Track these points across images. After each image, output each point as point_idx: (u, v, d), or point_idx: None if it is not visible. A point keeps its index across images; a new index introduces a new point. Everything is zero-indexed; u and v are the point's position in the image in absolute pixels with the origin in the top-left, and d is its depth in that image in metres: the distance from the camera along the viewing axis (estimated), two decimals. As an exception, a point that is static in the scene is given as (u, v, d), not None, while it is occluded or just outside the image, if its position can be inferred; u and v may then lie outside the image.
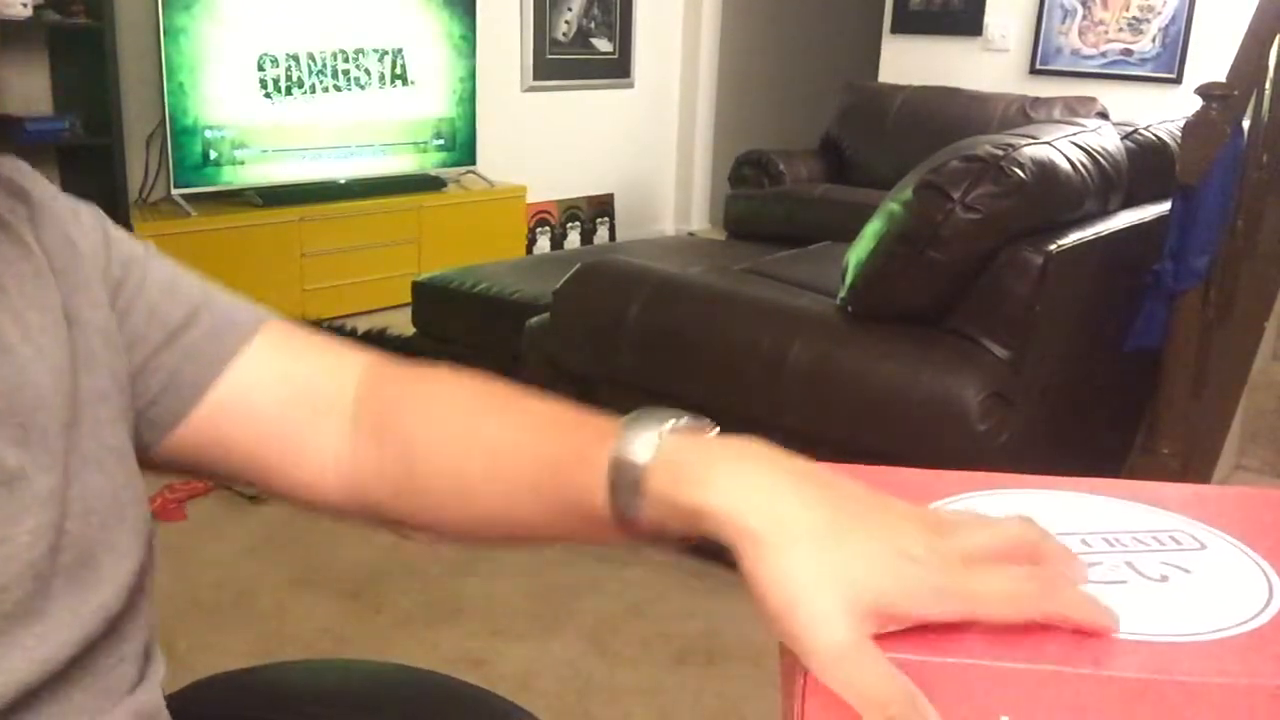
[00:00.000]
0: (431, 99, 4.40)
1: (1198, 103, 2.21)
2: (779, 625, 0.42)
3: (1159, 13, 4.46)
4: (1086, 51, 4.64)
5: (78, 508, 0.55)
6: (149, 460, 0.64)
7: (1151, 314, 2.33)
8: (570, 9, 5.11)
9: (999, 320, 2.04)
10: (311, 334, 0.68)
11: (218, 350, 0.63)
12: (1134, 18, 4.52)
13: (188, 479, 2.48)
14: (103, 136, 3.53)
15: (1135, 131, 2.55)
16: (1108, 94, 4.39)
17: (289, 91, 3.96)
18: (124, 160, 3.64)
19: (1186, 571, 0.45)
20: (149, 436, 0.63)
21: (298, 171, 4.04)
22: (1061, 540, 0.46)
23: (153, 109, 3.71)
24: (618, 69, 5.39)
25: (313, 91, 4.03)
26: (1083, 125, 2.42)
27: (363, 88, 4.17)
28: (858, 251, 2.16)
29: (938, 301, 2.08)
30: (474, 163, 4.57)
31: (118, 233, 0.63)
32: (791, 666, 0.42)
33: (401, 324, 3.47)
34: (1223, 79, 2.24)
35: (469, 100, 4.51)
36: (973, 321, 2.06)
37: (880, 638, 0.40)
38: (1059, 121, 2.76)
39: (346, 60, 4.10)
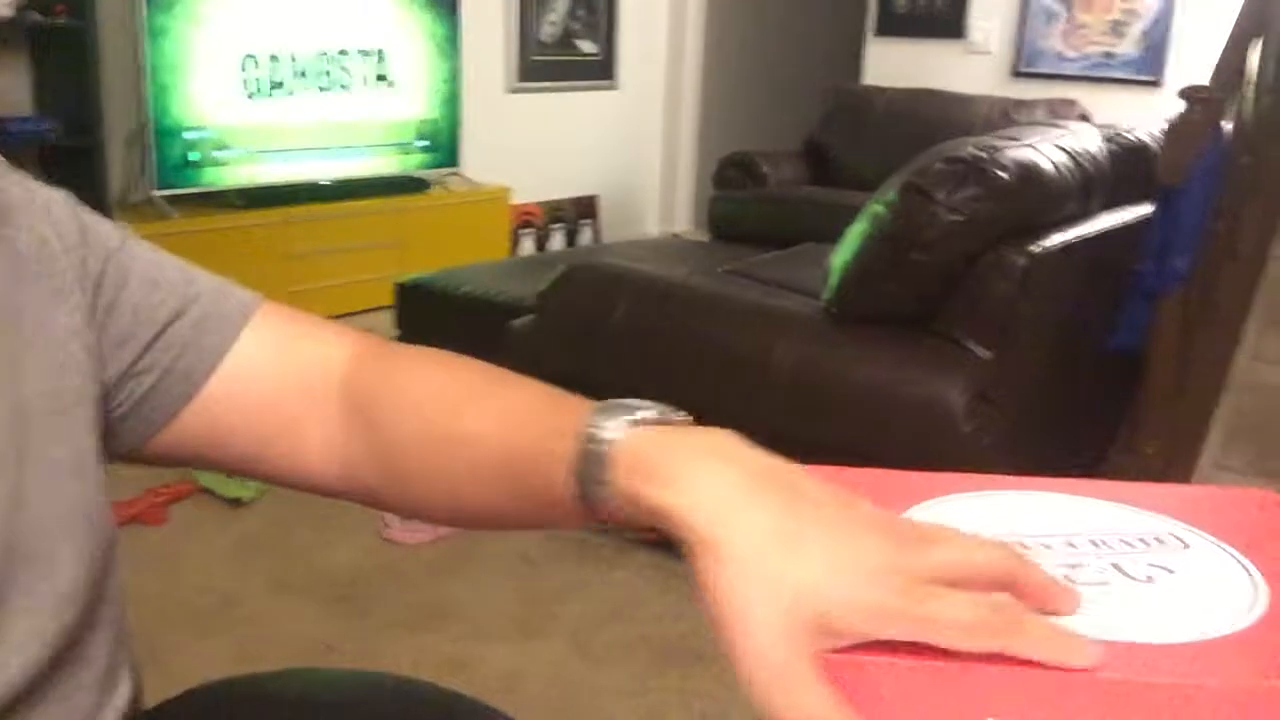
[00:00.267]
0: (414, 100, 4.39)
1: (1179, 105, 2.23)
2: (720, 636, 0.40)
3: (1141, 16, 4.49)
4: (1069, 54, 4.67)
5: (19, 523, 0.52)
6: (142, 455, 0.63)
7: (1133, 315, 2.34)
8: (555, 10, 5.10)
9: (982, 322, 2.05)
10: (300, 316, 0.67)
11: (211, 343, 0.62)
12: (1116, 21, 4.55)
13: (183, 467, 2.47)
14: (84, 137, 3.51)
15: (1117, 134, 2.56)
16: (1089, 97, 4.42)
17: (271, 93, 3.95)
18: (105, 161, 3.62)
19: (1171, 572, 0.45)
20: (143, 432, 0.62)
21: (280, 173, 4.02)
22: (1047, 542, 0.46)
23: (135, 110, 3.69)
24: (602, 71, 5.39)
25: (295, 92, 4.01)
26: (1065, 128, 2.44)
27: (345, 89, 4.16)
28: (841, 253, 2.17)
29: (922, 303, 2.08)
30: (458, 164, 4.56)
31: (92, 220, 0.61)
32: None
33: (385, 326, 3.46)
34: (1204, 82, 2.26)
35: (453, 101, 4.50)
36: (956, 323, 2.06)
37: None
38: (1041, 124, 2.77)
39: (329, 61, 4.09)
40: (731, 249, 3.71)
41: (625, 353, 2.35)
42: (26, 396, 0.54)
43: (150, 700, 0.69)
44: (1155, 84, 4.45)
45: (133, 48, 3.60)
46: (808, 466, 0.53)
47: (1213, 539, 0.48)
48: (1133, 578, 0.44)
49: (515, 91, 5.02)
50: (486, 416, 0.58)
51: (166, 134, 3.69)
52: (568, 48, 5.22)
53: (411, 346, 0.66)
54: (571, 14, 5.18)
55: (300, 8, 4.00)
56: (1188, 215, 2.23)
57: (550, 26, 5.11)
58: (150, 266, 0.62)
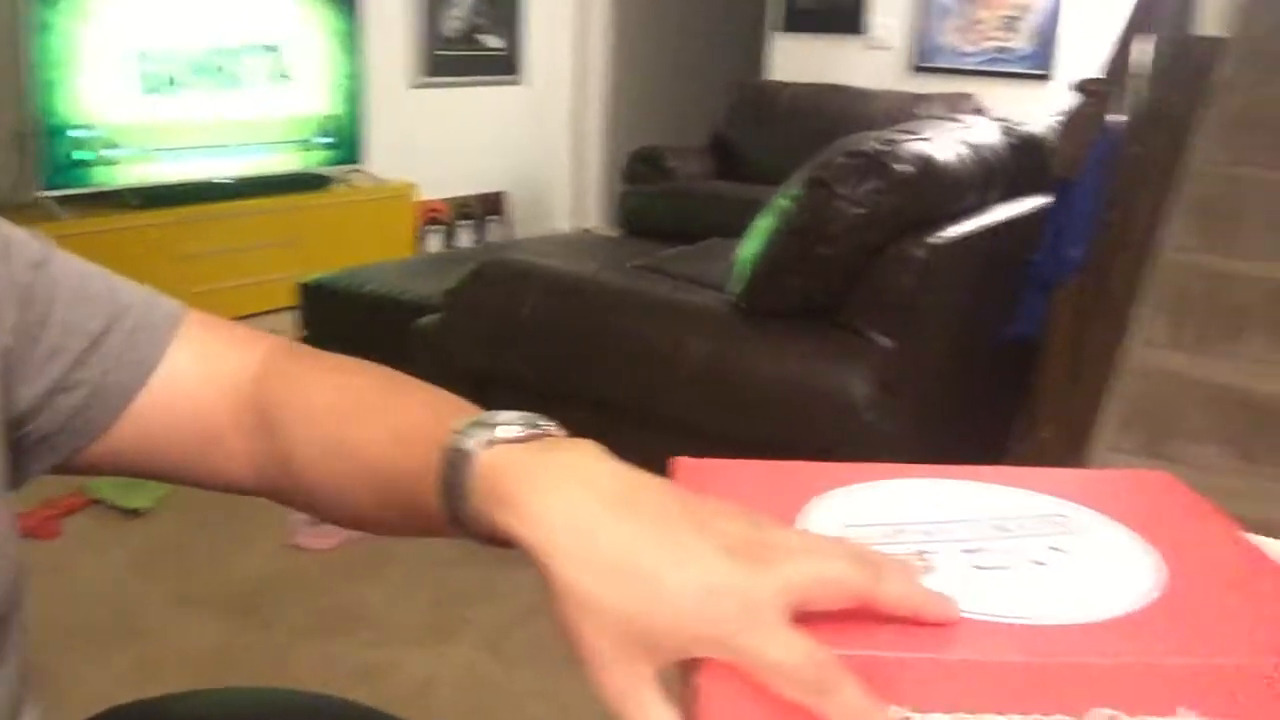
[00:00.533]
0: (315, 96, 4.30)
1: (1068, 98, 2.29)
2: (576, 657, 0.42)
3: (1032, 10, 4.61)
4: (965, 49, 4.77)
5: None
6: (70, 466, 0.63)
7: (1030, 304, 2.40)
8: (458, 5, 5.05)
9: (885, 313, 2.08)
10: (221, 324, 0.67)
11: (141, 356, 0.62)
12: (1009, 16, 4.66)
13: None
14: (-37, 136, 3.37)
15: (1011, 127, 2.62)
16: (985, 90, 4.53)
17: (164, 89, 3.83)
18: (-13, 161, 3.48)
19: (1071, 554, 0.45)
20: (75, 445, 0.62)
21: (176, 171, 3.90)
22: (947, 528, 0.47)
23: (19, 107, 3.54)
24: (508, 66, 5.35)
25: (190, 89, 3.89)
26: (962, 121, 2.49)
27: (242, 85, 4.05)
28: (748, 247, 2.18)
29: (827, 296, 2.11)
30: (361, 161, 4.49)
31: (16, 233, 0.60)
32: (685, 668, 0.41)
33: (288, 328, 3.38)
34: (1090, 75, 2.32)
35: (355, 98, 4.42)
36: (860, 314, 2.09)
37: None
38: (940, 118, 2.83)
39: (225, 57, 3.98)
40: (641, 244, 3.72)
41: (536, 349, 2.33)
42: None
43: (52, 727, 0.66)
44: (1045, 77, 4.57)
45: (14, 44, 3.46)
46: (717, 460, 0.52)
47: (1111, 520, 0.48)
48: (1034, 560, 0.44)
49: (419, 87, 4.95)
50: (373, 427, 0.58)
51: (53, 132, 3.56)
52: (472, 43, 5.17)
53: (319, 353, 0.67)
54: (475, 9, 5.13)
55: (193, 3, 3.89)
56: (1081, 205, 2.30)
57: (454, 21, 5.06)
58: (76, 277, 0.62)
